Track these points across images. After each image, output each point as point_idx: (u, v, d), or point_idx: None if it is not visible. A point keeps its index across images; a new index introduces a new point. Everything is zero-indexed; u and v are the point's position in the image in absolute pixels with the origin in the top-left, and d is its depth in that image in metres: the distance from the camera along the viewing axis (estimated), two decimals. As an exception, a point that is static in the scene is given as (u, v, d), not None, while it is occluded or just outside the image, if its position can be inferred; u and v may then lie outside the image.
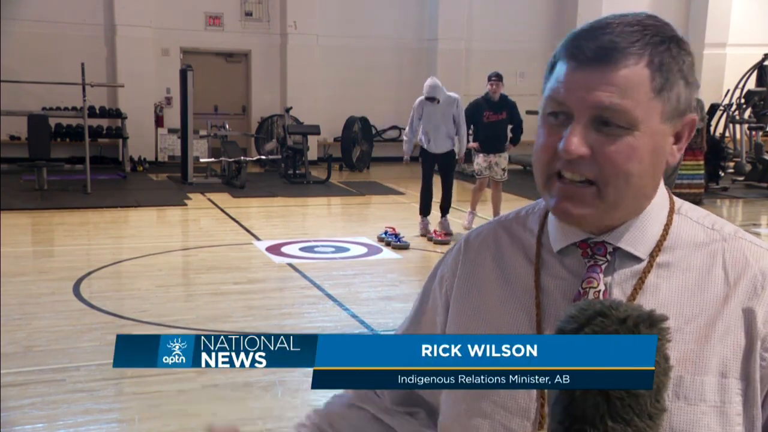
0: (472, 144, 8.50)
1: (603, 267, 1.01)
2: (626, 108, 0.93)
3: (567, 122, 0.96)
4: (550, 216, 1.08)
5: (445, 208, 8.38)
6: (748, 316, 0.97)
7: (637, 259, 1.01)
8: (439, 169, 8.31)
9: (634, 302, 0.99)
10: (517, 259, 1.09)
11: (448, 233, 8.14)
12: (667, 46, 0.96)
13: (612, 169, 0.95)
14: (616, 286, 1.01)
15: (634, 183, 0.96)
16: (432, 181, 8.33)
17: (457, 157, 8.29)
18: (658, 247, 1.02)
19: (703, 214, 1.06)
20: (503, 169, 8.50)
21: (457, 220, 8.88)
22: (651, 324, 0.85)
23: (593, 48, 0.94)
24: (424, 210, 8.35)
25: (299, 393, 4.05)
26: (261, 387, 4.10)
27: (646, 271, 1.01)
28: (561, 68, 0.97)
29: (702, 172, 10.61)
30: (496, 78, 8.37)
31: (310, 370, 0.85)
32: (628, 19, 0.96)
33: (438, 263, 1.21)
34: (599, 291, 1.00)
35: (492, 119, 8.34)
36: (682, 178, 10.46)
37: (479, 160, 8.51)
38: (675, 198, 1.08)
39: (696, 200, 10.38)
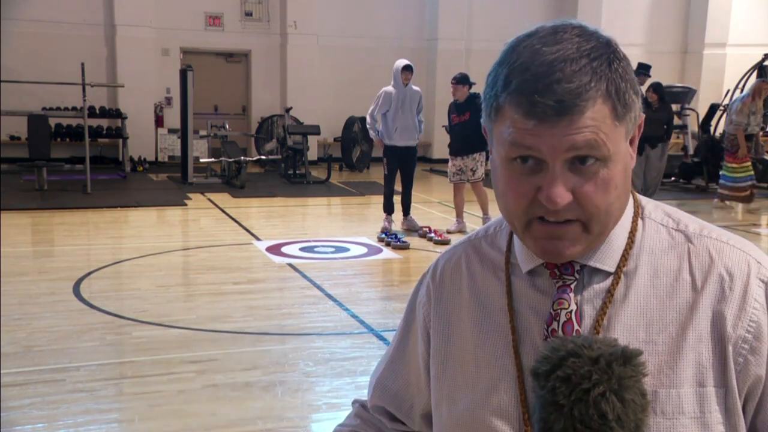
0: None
1: (572, 286, 1.00)
2: (600, 142, 0.91)
3: (539, 168, 0.92)
4: (516, 237, 1.06)
5: (406, 206, 8.59)
6: (718, 321, 0.95)
7: (605, 273, 1.00)
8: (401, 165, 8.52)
9: (604, 316, 0.97)
10: (489, 281, 1.08)
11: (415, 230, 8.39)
12: (613, 67, 0.92)
13: (594, 208, 0.93)
14: (586, 303, 0.99)
15: (615, 209, 0.96)
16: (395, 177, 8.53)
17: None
18: (624, 257, 1.00)
19: (667, 213, 1.04)
20: (472, 170, 8.28)
21: (446, 217, 8.87)
22: (625, 361, 0.84)
23: (552, 103, 0.89)
24: (388, 208, 8.47)
25: (299, 393, 4.04)
26: (261, 387, 4.10)
27: (615, 284, 0.99)
28: (517, 119, 0.91)
29: (750, 173, 10.35)
30: (455, 81, 8.18)
31: (310, 369, 0.84)
32: (568, 51, 0.90)
33: (416, 287, 1.21)
34: (570, 311, 0.99)
35: (456, 121, 8.23)
36: (735, 181, 10.31)
37: (449, 165, 8.42)
38: (640, 198, 1.06)
39: (747, 200, 10.32)
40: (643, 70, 10.58)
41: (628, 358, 0.85)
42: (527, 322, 1.02)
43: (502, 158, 0.95)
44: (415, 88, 8.41)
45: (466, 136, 8.12)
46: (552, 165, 0.91)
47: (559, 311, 0.99)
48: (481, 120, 1.00)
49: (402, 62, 8.37)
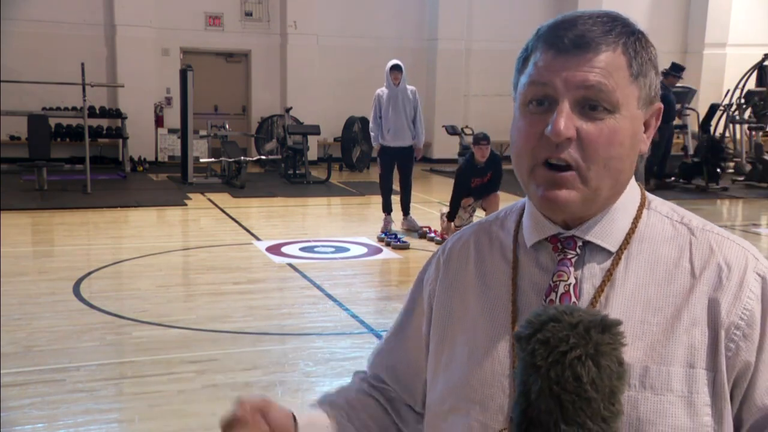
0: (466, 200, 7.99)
1: (573, 260, 1.03)
2: (610, 87, 0.96)
3: (551, 109, 0.97)
4: (525, 212, 1.10)
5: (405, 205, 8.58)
6: (713, 307, 0.98)
7: (607, 252, 1.03)
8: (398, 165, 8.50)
9: (602, 294, 1.01)
10: (496, 259, 1.11)
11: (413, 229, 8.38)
12: (636, 37, 1.00)
13: (594, 153, 0.97)
14: (586, 281, 1.02)
15: (614, 167, 0.99)
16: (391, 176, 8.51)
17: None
18: (626, 240, 1.03)
19: (672, 208, 1.08)
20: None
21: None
22: (603, 329, 0.86)
23: (572, 37, 0.97)
24: (387, 207, 8.45)
25: (299, 393, 4.05)
26: (261, 387, 4.10)
27: (615, 264, 1.02)
28: (539, 57, 0.99)
29: None
30: (485, 142, 7.61)
31: (310, 369, 0.84)
32: (596, 12, 1.00)
33: (422, 269, 1.23)
34: (569, 284, 1.02)
35: (477, 184, 7.78)
36: None
37: (462, 213, 7.89)
38: (646, 193, 1.09)
39: None
40: (675, 71, 10.26)
41: (607, 326, 0.87)
42: (527, 297, 1.05)
43: (520, 104, 1.02)
44: (409, 87, 8.39)
45: (493, 189, 7.83)
46: (562, 101, 0.96)
47: (558, 283, 1.02)
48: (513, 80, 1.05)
49: (390, 62, 8.38)
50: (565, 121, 0.95)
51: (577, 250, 1.03)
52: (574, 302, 1.00)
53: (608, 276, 1.01)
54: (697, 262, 1.01)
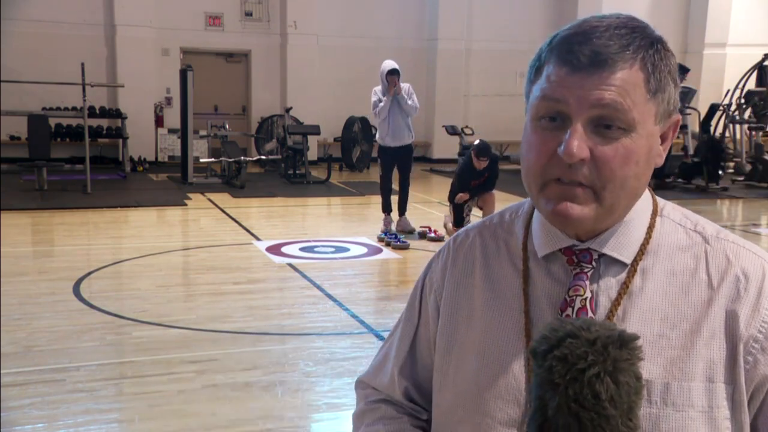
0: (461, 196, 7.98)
1: (589, 274, 1.01)
2: (626, 107, 0.92)
3: (564, 126, 0.94)
4: (534, 220, 1.08)
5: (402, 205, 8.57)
6: (731, 319, 0.97)
7: (622, 264, 1.01)
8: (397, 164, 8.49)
9: (619, 306, 0.99)
10: (504, 266, 1.09)
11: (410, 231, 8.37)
12: (656, 48, 0.95)
13: (609, 173, 0.94)
14: (602, 293, 1.00)
15: (630, 186, 0.96)
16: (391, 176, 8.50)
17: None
18: (641, 251, 1.01)
19: (685, 214, 1.06)
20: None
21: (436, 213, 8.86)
22: (621, 344, 0.86)
23: (588, 53, 0.93)
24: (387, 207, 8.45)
25: (299, 393, 4.05)
26: (261, 387, 4.10)
27: (631, 276, 1.00)
28: (552, 71, 0.95)
29: None
30: (485, 158, 7.58)
31: (310, 369, 0.84)
32: (613, 22, 0.95)
33: (424, 271, 1.20)
34: (585, 298, 1.00)
35: (474, 185, 7.84)
36: None
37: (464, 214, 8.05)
38: (657, 198, 1.07)
39: None
40: (680, 72, 10.36)
41: (625, 341, 0.86)
42: (540, 308, 1.03)
43: (532, 118, 0.98)
44: (403, 85, 8.36)
45: (489, 188, 7.83)
46: (576, 120, 0.93)
47: (574, 298, 1.00)
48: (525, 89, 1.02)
49: (387, 66, 8.25)
50: (579, 142, 0.92)
51: (593, 263, 1.01)
52: (591, 317, 0.98)
53: (624, 289, 1.00)
54: (714, 273, 1.00)
